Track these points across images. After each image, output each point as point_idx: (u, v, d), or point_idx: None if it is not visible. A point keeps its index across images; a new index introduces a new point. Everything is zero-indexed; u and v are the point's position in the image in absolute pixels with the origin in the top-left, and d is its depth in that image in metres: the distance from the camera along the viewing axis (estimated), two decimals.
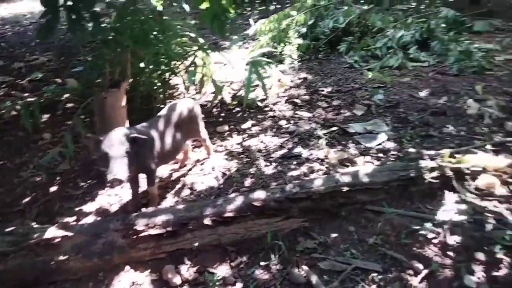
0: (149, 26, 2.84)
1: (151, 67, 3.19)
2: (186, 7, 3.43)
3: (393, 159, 2.51)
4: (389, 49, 4.51)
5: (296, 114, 3.36)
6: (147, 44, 2.80)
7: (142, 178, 2.26)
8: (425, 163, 2.21)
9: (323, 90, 3.80)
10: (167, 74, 3.42)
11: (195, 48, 3.36)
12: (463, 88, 3.55)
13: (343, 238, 1.90)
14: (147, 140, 1.98)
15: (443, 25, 5.37)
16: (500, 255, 1.69)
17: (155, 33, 2.91)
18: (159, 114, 2.36)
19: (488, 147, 2.53)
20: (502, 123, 2.86)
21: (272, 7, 7.46)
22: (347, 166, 2.49)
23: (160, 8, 3.05)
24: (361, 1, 5.97)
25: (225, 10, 2.29)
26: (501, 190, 2.09)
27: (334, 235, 1.92)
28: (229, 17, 2.35)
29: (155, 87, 3.39)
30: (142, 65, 3.06)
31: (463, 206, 2.00)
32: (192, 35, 3.43)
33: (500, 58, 4.21)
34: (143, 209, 2.12)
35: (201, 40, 3.48)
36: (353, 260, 1.76)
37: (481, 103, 3.20)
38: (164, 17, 3.03)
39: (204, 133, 2.66)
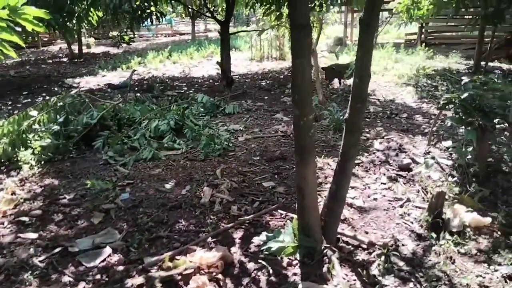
0: None
1: None
2: None
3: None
4: (146, 140, 4.56)
5: (19, 237, 2.82)
6: None
7: None
8: (132, 281, 2.06)
9: (64, 198, 3.39)
10: None
11: None
12: (206, 174, 3.79)
13: None
14: None
15: (202, 109, 5.89)
16: None
17: None
18: None
19: (210, 239, 2.63)
20: (230, 207, 3.09)
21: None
22: None
23: None
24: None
25: None
26: None
27: None
28: None
29: None
30: None
31: None
32: None
33: (242, 138, 4.81)
34: None
35: None
36: None
37: (217, 188, 3.44)
38: None
39: None
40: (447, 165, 3.74)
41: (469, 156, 3.50)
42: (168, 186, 3.55)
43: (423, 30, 12.61)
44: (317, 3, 6.33)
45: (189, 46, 13.78)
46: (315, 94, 6.14)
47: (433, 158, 3.81)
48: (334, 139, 4.69)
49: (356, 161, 3.96)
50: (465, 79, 3.55)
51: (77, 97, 5.10)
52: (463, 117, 3.37)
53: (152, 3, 7.09)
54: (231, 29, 10.11)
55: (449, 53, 10.47)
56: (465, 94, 3.26)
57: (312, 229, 2.37)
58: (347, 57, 10.70)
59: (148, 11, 7.18)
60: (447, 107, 3.58)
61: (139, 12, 7.03)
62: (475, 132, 3.21)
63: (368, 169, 3.82)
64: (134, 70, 7.96)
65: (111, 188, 3.48)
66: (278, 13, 7.33)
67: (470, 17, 9.92)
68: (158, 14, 7.52)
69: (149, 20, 7.55)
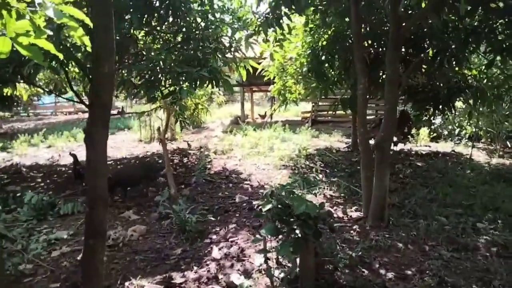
0: None
1: None
2: None
3: None
4: None
5: None
6: None
7: None
8: None
9: None
10: None
11: None
12: None
13: None
14: None
15: (29, 211, 4.88)
16: None
17: None
18: None
19: None
20: None
21: None
22: None
23: None
24: None
25: None
26: None
27: None
28: None
29: None
30: None
31: None
32: None
33: (56, 253, 3.87)
34: None
35: None
36: None
37: None
38: None
39: None
40: (278, 278, 3.21)
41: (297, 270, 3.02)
42: None
43: (313, 109, 13.32)
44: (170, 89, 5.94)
45: (76, 126, 12.71)
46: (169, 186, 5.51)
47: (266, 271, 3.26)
48: (170, 247, 3.98)
49: (180, 280, 3.26)
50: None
51: None
52: (281, 228, 2.94)
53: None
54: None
55: (332, 131, 10.94)
56: (275, 202, 2.86)
57: None
58: (240, 137, 10.61)
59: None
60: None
61: None
62: (287, 247, 2.75)
63: None
64: None
65: None
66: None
67: None
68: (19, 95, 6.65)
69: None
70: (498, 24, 4.53)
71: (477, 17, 4.78)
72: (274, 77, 8.26)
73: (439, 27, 4.78)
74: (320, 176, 6.96)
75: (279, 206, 2.99)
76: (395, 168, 7.27)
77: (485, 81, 5.50)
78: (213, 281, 3.26)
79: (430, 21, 4.78)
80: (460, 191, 5.68)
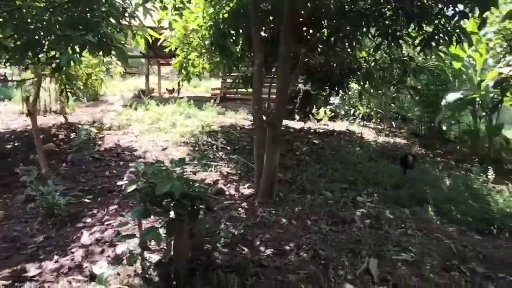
0: None
1: None
2: None
3: None
4: None
5: None
6: None
7: None
8: None
9: None
10: None
11: None
12: None
13: None
14: None
15: None
16: None
17: None
18: None
19: None
20: None
21: None
22: None
23: None
24: None
25: None
26: None
27: None
28: None
29: None
30: None
31: None
32: None
33: None
34: None
35: None
36: None
37: None
38: None
39: None
40: (151, 263, 2.95)
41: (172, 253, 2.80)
42: None
43: (223, 85, 13.06)
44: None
45: None
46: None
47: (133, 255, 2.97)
48: (31, 234, 3.44)
49: (35, 271, 2.80)
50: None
51: None
52: (152, 209, 2.66)
53: None
54: None
55: (239, 109, 10.86)
56: (142, 183, 2.56)
57: None
58: (141, 111, 9.91)
59: None
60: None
61: None
62: (155, 230, 2.50)
63: None
64: None
65: None
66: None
67: None
68: None
69: None
70: (386, 9, 4.73)
71: (368, 0, 4.94)
72: (176, 49, 7.74)
73: (335, 8, 4.83)
74: (220, 153, 6.82)
75: (151, 186, 2.69)
76: (293, 146, 7.45)
77: (373, 63, 5.81)
78: (75, 270, 2.87)
79: (327, 1, 4.81)
80: (349, 167, 6.03)
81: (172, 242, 2.83)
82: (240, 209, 4.12)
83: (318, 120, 10.23)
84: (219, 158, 6.45)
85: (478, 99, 7.11)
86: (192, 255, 2.94)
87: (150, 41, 6.49)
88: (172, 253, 2.84)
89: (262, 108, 4.94)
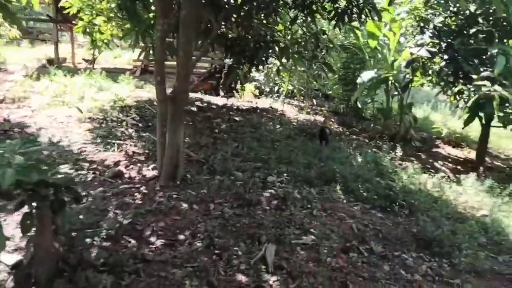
0: None
1: None
2: None
3: None
4: None
5: None
6: None
7: None
8: None
9: None
10: None
11: None
12: None
13: None
14: None
15: None
16: None
17: None
18: None
19: None
20: None
21: None
22: None
23: None
24: None
25: None
26: None
27: None
28: None
29: None
30: None
31: None
32: None
33: None
34: None
35: None
36: None
37: None
38: None
39: None
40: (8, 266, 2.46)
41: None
42: None
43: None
44: None
45: None
46: None
47: None
48: None
49: None
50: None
51: None
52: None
53: None
54: None
55: None
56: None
57: None
58: (46, 82, 8.72)
59: None
60: None
61: None
62: None
63: None
64: None
65: None
66: None
67: None
68: None
69: None
70: None
71: None
72: (79, 11, 6.80)
73: None
74: (130, 130, 6.22)
75: None
76: (213, 123, 7.11)
77: (289, 37, 5.60)
78: None
79: None
80: (265, 146, 5.86)
81: (33, 239, 2.36)
82: (137, 194, 3.70)
83: (241, 97, 9.95)
84: (127, 136, 5.88)
85: (391, 78, 7.34)
86: (63, 253, 2.50)
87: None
88: (33, 252, 2.37)
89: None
